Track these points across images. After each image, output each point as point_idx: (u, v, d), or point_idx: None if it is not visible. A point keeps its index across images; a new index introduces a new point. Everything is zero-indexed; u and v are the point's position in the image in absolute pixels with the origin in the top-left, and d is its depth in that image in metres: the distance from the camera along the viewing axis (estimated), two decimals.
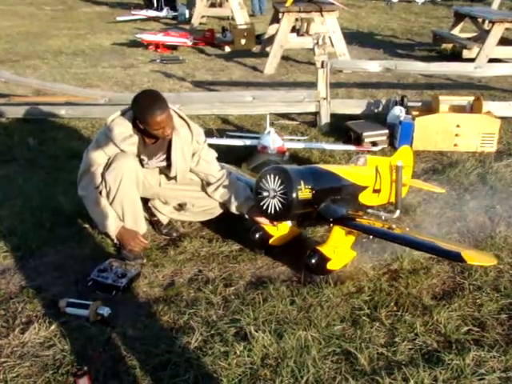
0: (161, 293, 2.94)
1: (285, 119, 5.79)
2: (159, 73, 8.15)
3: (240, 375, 2.34)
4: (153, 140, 3.18)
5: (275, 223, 3.16)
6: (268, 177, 2.89)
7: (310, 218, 3.04)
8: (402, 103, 5.24)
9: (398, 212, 3.34)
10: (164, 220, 3.56)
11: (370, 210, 3.40)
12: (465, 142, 4.86)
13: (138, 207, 3.21)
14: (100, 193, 3.13)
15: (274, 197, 2.87)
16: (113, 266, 3.00)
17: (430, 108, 5.19)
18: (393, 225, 2.99)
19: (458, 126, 4.84)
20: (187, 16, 12.83)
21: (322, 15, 8.11)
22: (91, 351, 2.46)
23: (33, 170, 4.58)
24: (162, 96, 3.08)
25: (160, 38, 9.75)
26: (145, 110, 3.00)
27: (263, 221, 3.17)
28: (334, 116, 5.50)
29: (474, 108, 4.98)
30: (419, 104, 5.47)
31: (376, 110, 5.52)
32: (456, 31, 9.63)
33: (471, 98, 5.09)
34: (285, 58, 8.70)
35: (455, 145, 4.88)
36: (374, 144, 4.90)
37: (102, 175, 3.10)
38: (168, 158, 3.25)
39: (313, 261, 2.94)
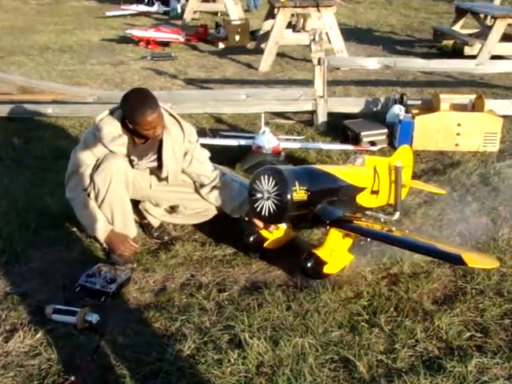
0: (152, 298, 2.90)
1: (280, 118, 5.76)
2: (150, 70, 8.13)
3: None
4: (143, 140, 3.15)
5: (271, 229, 3.13)
6: (262, 178, 2.87)
7: (305, 221, 3.02)
8: (401, 101, 5.21)
9: (397, 214, 3.31)
10: (155, 223, 3.53)
11: (368, 212, 3.37)
12: (466, 142, 4.84)
13: (127, 210, 3.17)
14: (88, 195, 3.09)
15: (268, 198, 2.85)
16: (102, 271, 2.96)
17: (430, 106, 5.15)
18: (392, 227, 2.98)
19: (459, 124, 4.82)
20: (179, 11, 12.89)
21: (319, 10, 8.11)
22: (79, 360, 2.41)
23: (19, 170, 4.54)
24: (152, 95, 3.06)
25: (151, 33, 9.73)
26: (135, 110, 2.97)
27: (261, 225, 3.13)
28: (331, 115, 5.47)
29: (476, 106, 4.96)
30: (419, 102, 5.45)
31: (375, 109, 5.50)
32: (457, 27, 9.68)
33: (473, 96, 5.06)
34: (280, 54, 8.71)
35: (456, 144, 4.86)
36: (373, 144, 4.88)
37: (91, 177, 3.07)
38: (159, 159, 3.22)
39: (309, 264, 2.91)
